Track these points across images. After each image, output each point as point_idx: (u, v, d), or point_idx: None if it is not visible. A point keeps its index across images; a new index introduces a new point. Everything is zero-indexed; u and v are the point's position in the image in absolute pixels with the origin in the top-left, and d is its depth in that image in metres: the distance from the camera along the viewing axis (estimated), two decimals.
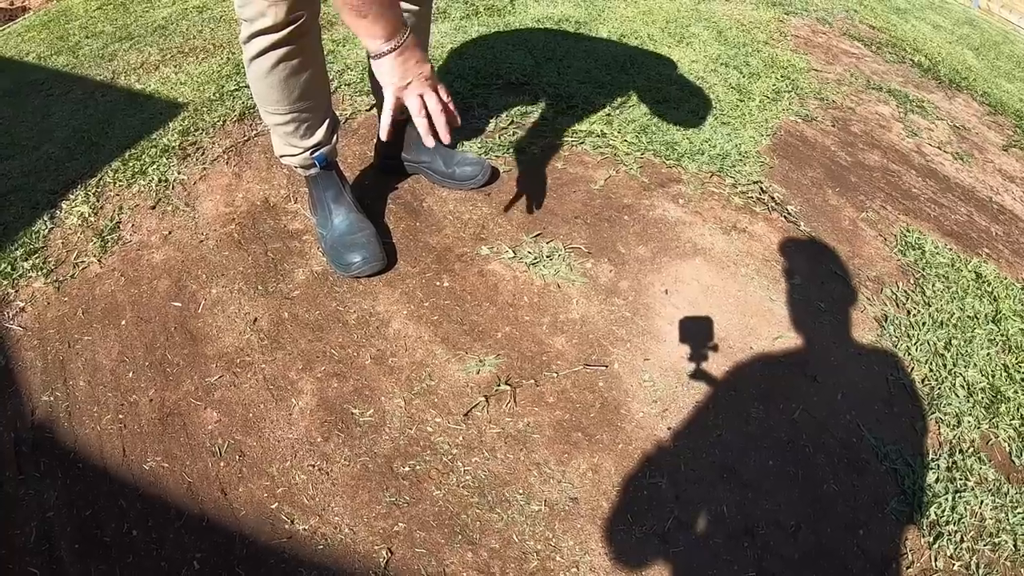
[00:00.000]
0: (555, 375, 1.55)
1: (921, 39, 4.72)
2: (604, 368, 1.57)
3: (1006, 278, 2.16)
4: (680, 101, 2.61)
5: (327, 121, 1.65)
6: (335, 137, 1.70)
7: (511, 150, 2.18)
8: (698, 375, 1.60)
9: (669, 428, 1.49)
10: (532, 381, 1.54)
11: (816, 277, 1.90)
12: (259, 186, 2.02)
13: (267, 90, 1.51)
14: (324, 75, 1.60)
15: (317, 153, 1.66)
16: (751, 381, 1.60)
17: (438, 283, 1.73)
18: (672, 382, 1.57)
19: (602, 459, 1.43)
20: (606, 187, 2.08)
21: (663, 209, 2.02)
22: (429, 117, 1.32)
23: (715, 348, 1.67)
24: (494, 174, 2.04)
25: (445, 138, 1.34)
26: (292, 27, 1.41)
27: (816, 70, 3.28)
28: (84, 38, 3.13)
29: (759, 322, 1.73)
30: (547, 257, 1.81)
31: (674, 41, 3.18)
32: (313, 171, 1.71)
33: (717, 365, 1.62)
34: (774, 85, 2.94)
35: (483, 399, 1.50)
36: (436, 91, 1.32)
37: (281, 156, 1.68)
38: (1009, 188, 2.88)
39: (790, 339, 1.70)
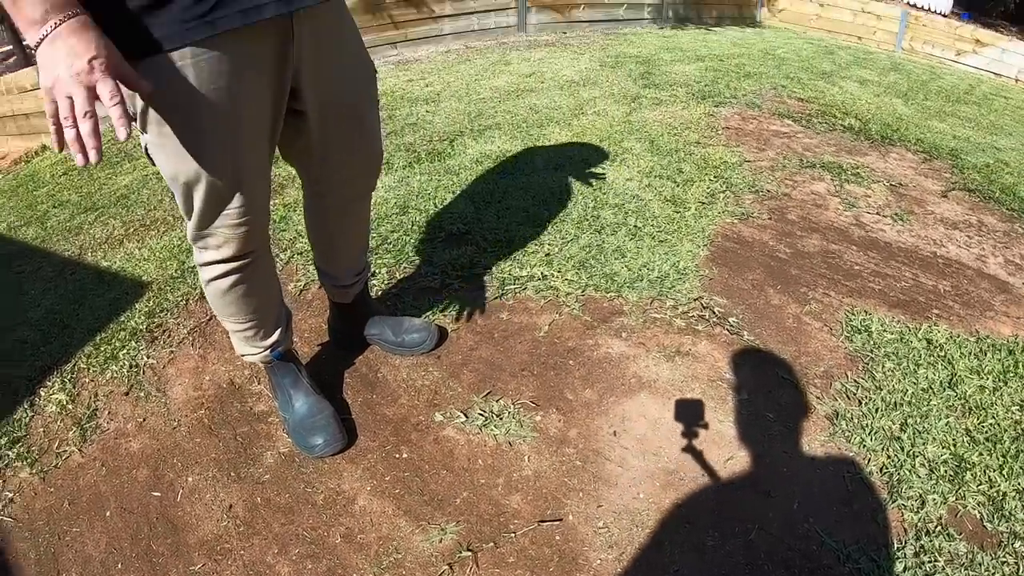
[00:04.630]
0: (513, 535, 1.61)
1: (850, 100, 4.88)
2: (559, 521, 1.63)
3: (959, 335, 2.22)
4: (617, 226, 2.73)
5: (282, 320, 1.78)
6: (290, 331, 1.82)
7: (458, 307, 2.28)
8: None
9: (626, 572, 1.53)
10: (492, 544, 1.59)
11: (763, 386, 1.97)
12: (224, 367, 2.12)
13: (224, 306, 1.64)
14: (277, 284, 1.75)
15: (275, 351, 1.77)
16: (705, 509, 1.65)
17: (397, 455, 1.81)
18: (626, 524, 1.62)
19: None
20: (551, 332, 2.17)
21: (607, 347, 2.10)
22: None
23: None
24: (442, 336, 2.14)
25: (88, 160, 1.03)
26: (245, 260, 1.54)
27: (749, 161, 3.42)
28: (51, 207, 3.33)
29: (709, 447, 1.79)
30: (497, 416, 1.88)
31: (608, 161, 3.34)
32: (271, 362, 1.82)
33: (670, 499, 1.67)
34: (708, 187, 3.07)
35: (447, 567, 1.55)
36: (90, 90, 1.01)
37: (242, 355, 1.81)
38: (952, 236, 2.96)
39: (741, 458, 1.76)
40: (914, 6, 10.69)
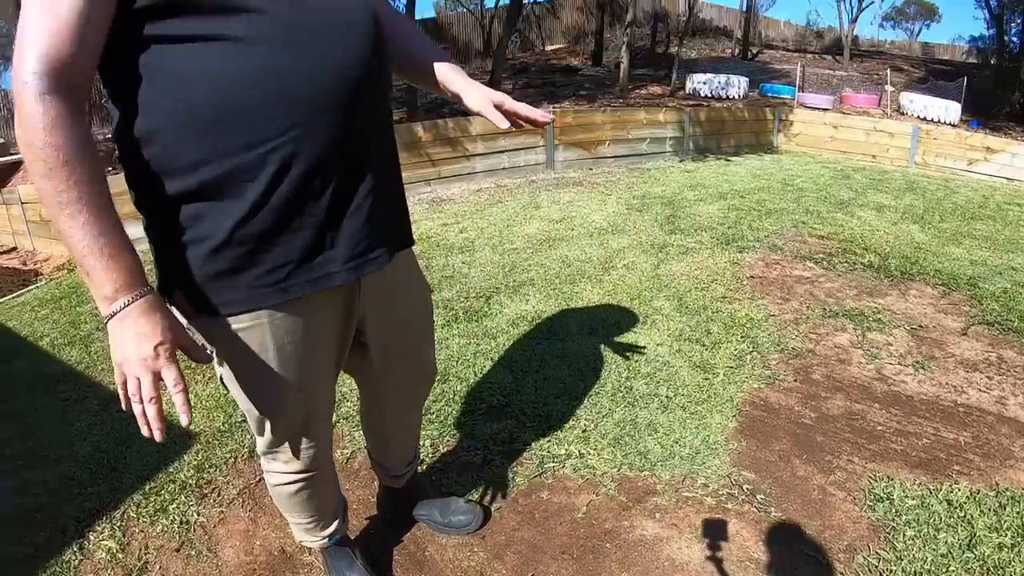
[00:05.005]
0: None
1: (868, 233, 5.07)
2: None
3: (979, 491, 2.31)
4: (648, 398, 2.92)
5: (340, 511, 1.96)
6: (346, 519, 2.00)
7: (500, 486, 2.44)
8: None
9: None
10: None
11: (790, 565, 2.10)
12: (275, 534, 2.21)
13: (289, 507, 1.82)
14: (337, 483, 1.92)
15: (332, 539, 1.95)
16: None
17: None
18: None
19: None
20: (588, 513, 2.32)
21: (642, 529, 2.25)
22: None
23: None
24: (487, 516, 2.30)
25: (153, 435, 1.12)
26: (310, 472, 1.72)
27: (773, 315, 3.61)
28: (95, 329, 3.49)
29: None
30: None
31: (639, 324, 3.55)
32: (328, 548, 1.99)
33: None
34: (735, 349, 3.26)
35: None
36: (156, 375, 1.11)
37: (300, 542, 1.97)
38: (973, 379, 3.09)
39: None
40: (924, 119, 11.03)
